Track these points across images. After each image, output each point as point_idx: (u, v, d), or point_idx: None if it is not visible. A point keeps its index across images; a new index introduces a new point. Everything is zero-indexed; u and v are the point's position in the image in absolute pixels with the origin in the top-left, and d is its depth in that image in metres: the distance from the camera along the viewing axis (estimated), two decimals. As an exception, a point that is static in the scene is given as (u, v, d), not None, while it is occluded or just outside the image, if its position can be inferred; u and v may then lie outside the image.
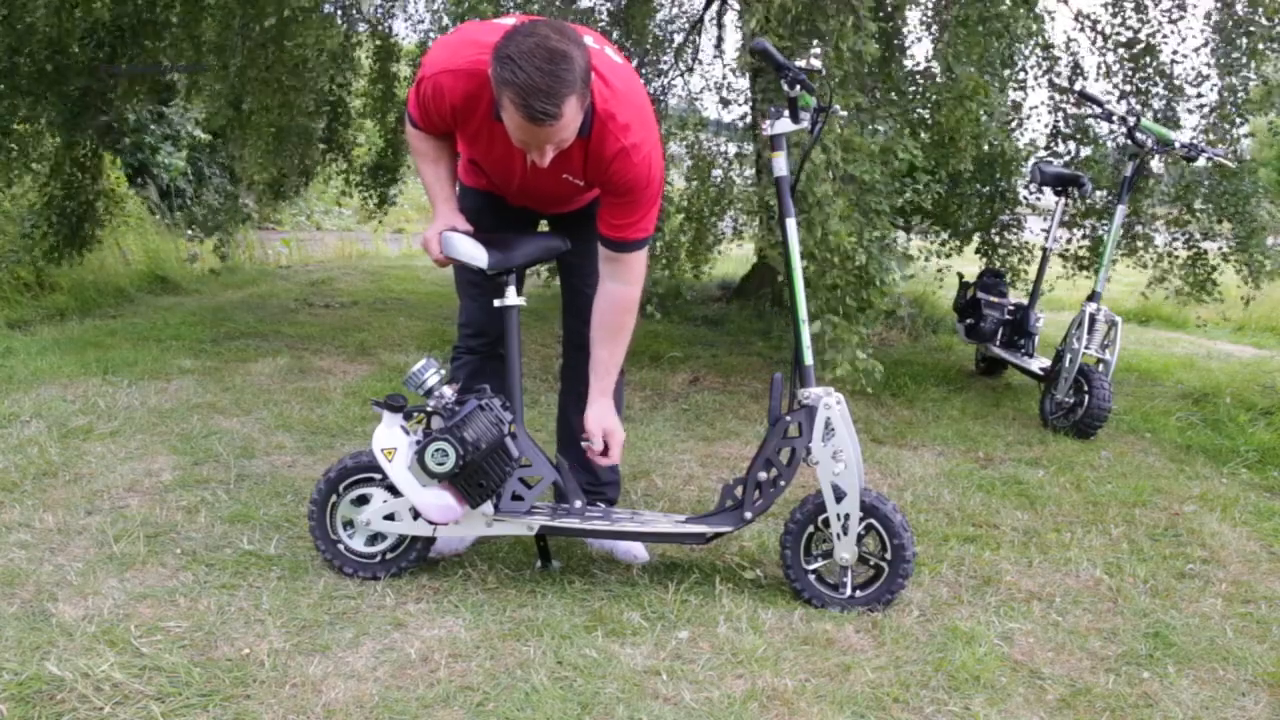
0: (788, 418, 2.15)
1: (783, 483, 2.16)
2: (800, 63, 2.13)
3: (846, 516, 2.14)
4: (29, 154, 5.78)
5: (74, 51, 5.25)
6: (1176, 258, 5.19)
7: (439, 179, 2.22)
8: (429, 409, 2.13)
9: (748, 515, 2.18)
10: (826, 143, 3.34)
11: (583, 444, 2.27)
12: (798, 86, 2.11)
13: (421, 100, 2.09)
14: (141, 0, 4.72)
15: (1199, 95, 4.92)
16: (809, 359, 2.19)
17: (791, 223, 2.19)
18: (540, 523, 2.20)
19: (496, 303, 2.22)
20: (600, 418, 2.25)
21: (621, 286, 2.19)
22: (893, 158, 3.49)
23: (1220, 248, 5.03)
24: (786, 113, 2.16)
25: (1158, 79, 5.00)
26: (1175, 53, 5.02)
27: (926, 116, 4.06)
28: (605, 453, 2.26)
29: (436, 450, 2.06)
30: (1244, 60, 4.62)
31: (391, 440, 2.11)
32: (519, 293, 2.22)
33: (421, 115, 2.13)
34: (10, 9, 4.75)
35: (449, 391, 2.14)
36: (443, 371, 2.16)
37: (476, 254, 2.11)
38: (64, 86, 5.44)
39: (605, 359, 2.24)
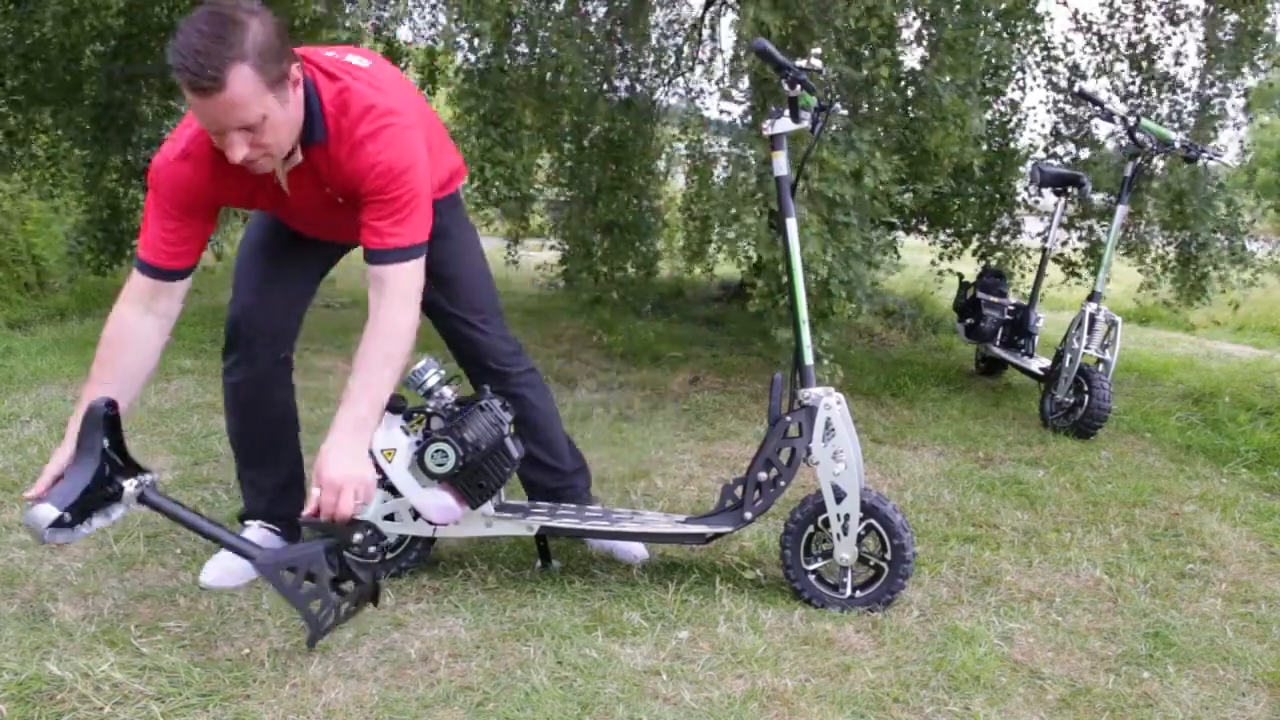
0: (788, 418, 2.15)
1: (783, 483, 2.16)
2: (801, 62, 2.13)
3: (846, 517, 2.14)
4: (60, 169, 5.89)
5: (87, 59, 5.29)
6: (1169, 260, 5.19)
7: (84, 400, 1.85)
8: (428, 410, 2.13)
9: (748, 515, 2.18)
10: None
11: (311, 495, 1.81)
12: (798, 86, 2.11)
13: (156, 209, 1.89)
14: (151, 5, 4.75)
15: (1195, 100, 4.94)
16: (809, 359, 2.19)
17: (792, 222, 2.19)
18: (540, 523, 2.20)
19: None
20: (318, 459, 1.79)
21: (389, 309, 1.87)
22: (867, 177, 3.55)
23: (1211, 256, 5.03)
24: (787, 112, 2.16)
25: (1161, 82, 5.01)
26: (1178, 54, 5.03)
27: (911, 123, 4.08)
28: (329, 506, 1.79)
29: (436, 451, 2.05)
30: (1233, 70, 4.64)
31: (391, 441, 2.10)
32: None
33: (154, 243, 1.90)
34: (20, 21, 4.78)
35: (449, 392, 2.14)
36: (443, 372, 2.16)
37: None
38: (80, 94, 5.49)
39: (356, 389, 1.85)
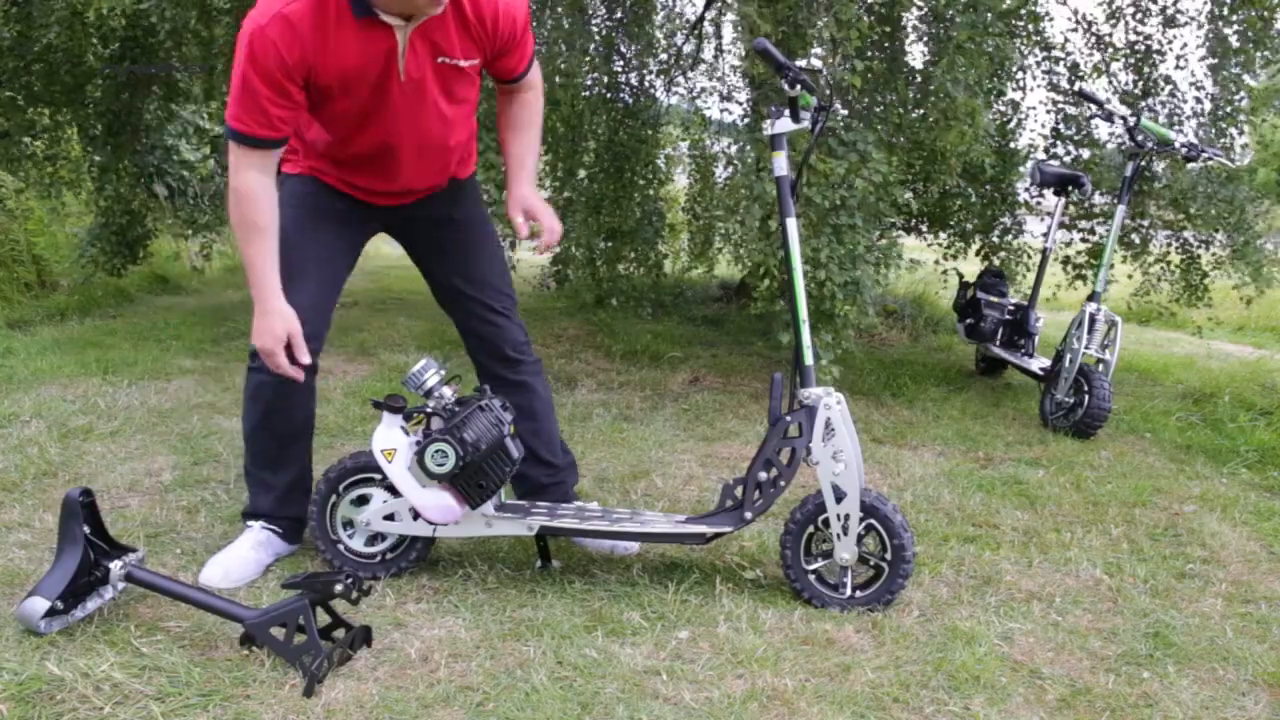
0: (788, 418, 2.15)
1: (783, 483, 2.16)
2: (801, 63, 2.13)
3: (847, 517, 2.14)
4: (57, 169, 5.94)
5: (89, 61, 5.31)
6: (1171, 261, 5.20)
7: (269, 253, 1.97)
8: (429, 410, 2.13)
9: (748, 515, 2.18)
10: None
11: (517, 224, 2.15)
12: (798, 86, 2.11)
13: (259, 79, 1.82)
14: (153, 11, 4.76)
15: (1199, 101, 4.94)
16: (809, 359, 2.19)
17: (792, 222, 2.18)
18: (540, 523, 2.20)
19: None
20: (520, 199, 2.16)
21: (529, 93, 2.20)
22: (862, 177, 3.57)
23: (1214, 254, 5.04)
24: (787, 112, 2.15)
25: (1161, 83, 5.01)
26: (1179, 58, 5.03)
27: (917, 123, 4.08)
28: (538, 237, 2.17)
29: (436, 451, 2.05)
30: (1236, 72, 4.64)
31: (391, 441, 2.10)
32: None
33: (260, 116, 1.86)
34: (26, 26, 4.80)
35: (449, 392, 2.14)
36: (443, 372, 2.16)
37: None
38: (82, 96, 5.52)
39: (521, 152, 2.20)
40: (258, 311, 1.98)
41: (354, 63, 1.90)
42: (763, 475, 2.16)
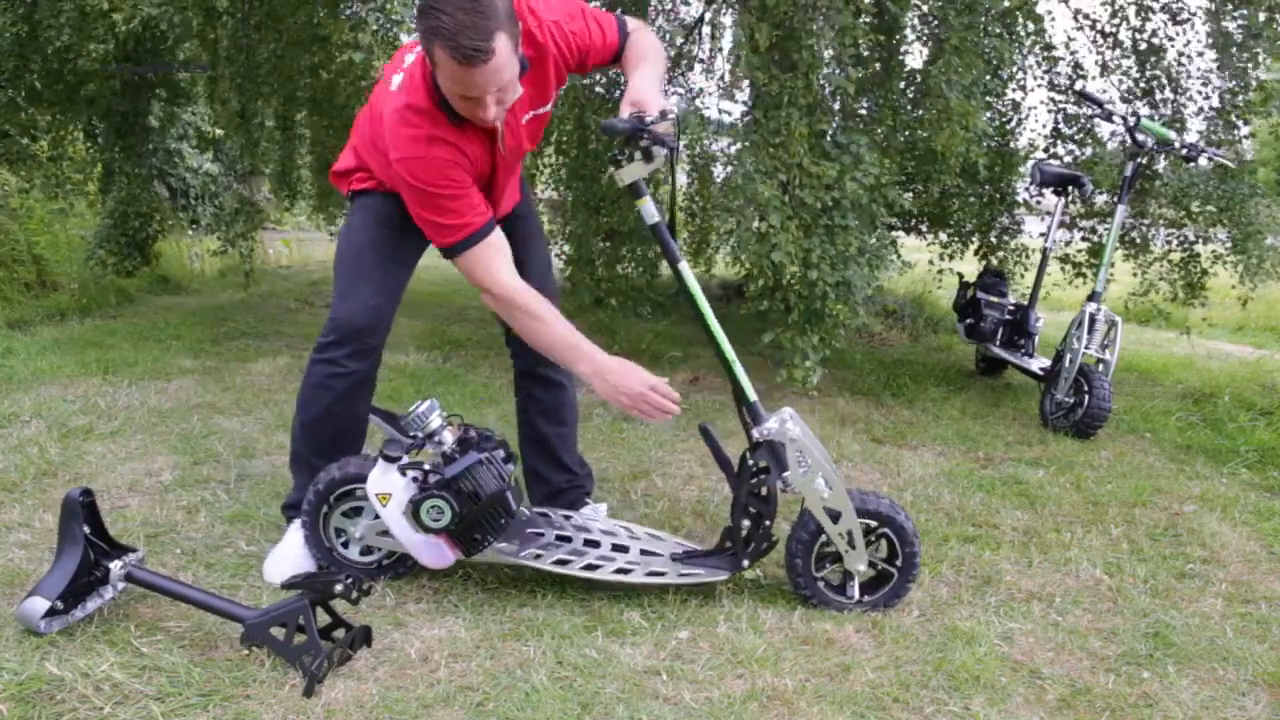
0: (751, 459, 2.13)
1: (768, 522, 2.15)
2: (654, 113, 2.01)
3: (849, 533, 2.12)
4: (61, 168, 5.98)
5: (92, 61, 5.33)
6: (1172, 259, 5.20)
7: (565, 325, 2.09)
8: (426, 467, 2.05)
9: (745, 564, 2.17)
10: (780, 172, 3.51)
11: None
12: (645, 136, 2.00)
13: (438, 183, 1.97)
14: (159, 15, 4.75)
15: (1205, 98, 4.94)
16: (752, 395, 2.14)
17: (684, 266, 2.11)
18: (533, 554, 2.16)
19: None
20: (632, 91, 2.07)
21: (635, 35, 2.22)
22: (852, 179, 3.58)
23: (1214, 250, 5.04)
24: (638, 156, 2.02)
25: (1164, 80, 5.01)
26: (1180, 55, 5.03)
27: (913, 124, 4.09)
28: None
29: (432, 507, 2.01)
30: (1244, 65, 4.64)
31: (387, 485, 2.05)
32: None
33: (467, 204, 2.01)
34: (32, 27, 4.79)
35: (450, 436, 2.07)
36: (444, 414, 2.10)
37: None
38: (85, 96, 5.53)
39: (652, 73, 2.15)
40: (596, 375, 2.04)
41: (480, 163, 2.06)
42: (746, 524, 2.15)
